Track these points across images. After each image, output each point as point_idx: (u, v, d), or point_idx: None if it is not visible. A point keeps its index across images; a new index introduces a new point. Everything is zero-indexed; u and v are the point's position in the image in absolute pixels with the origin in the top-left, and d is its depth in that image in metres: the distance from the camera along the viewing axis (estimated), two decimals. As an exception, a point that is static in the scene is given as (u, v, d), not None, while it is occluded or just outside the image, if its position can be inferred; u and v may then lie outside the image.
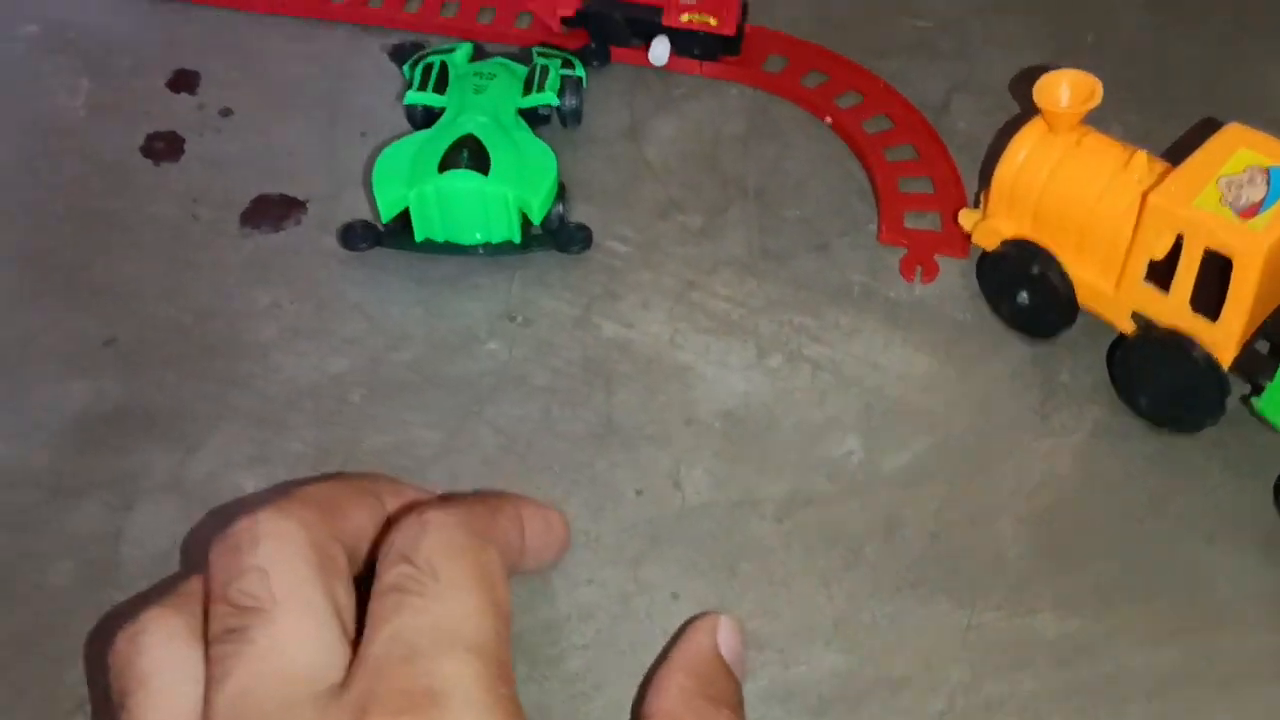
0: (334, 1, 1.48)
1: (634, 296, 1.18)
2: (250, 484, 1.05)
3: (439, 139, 1.19)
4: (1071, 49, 1.38)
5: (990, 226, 1.11)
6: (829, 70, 1.37)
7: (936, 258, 1.19)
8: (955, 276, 1.18)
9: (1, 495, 1.04)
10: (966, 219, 1.15)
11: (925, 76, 1.37)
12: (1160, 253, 0.95)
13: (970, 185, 1.25)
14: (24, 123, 1.36)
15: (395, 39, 1.45)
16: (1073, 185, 1.02)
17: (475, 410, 1.09)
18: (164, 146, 1.33)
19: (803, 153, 1.30)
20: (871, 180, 1.26)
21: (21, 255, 1.22)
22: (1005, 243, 1.09)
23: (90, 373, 1.12)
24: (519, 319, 1.16)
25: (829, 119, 1.32)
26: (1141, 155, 1.01)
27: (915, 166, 1.27)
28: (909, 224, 1.22)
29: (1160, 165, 1.01)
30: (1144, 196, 0.94)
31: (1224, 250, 0.90)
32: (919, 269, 1.18)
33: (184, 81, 1.41)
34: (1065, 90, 1.02)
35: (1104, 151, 1.02)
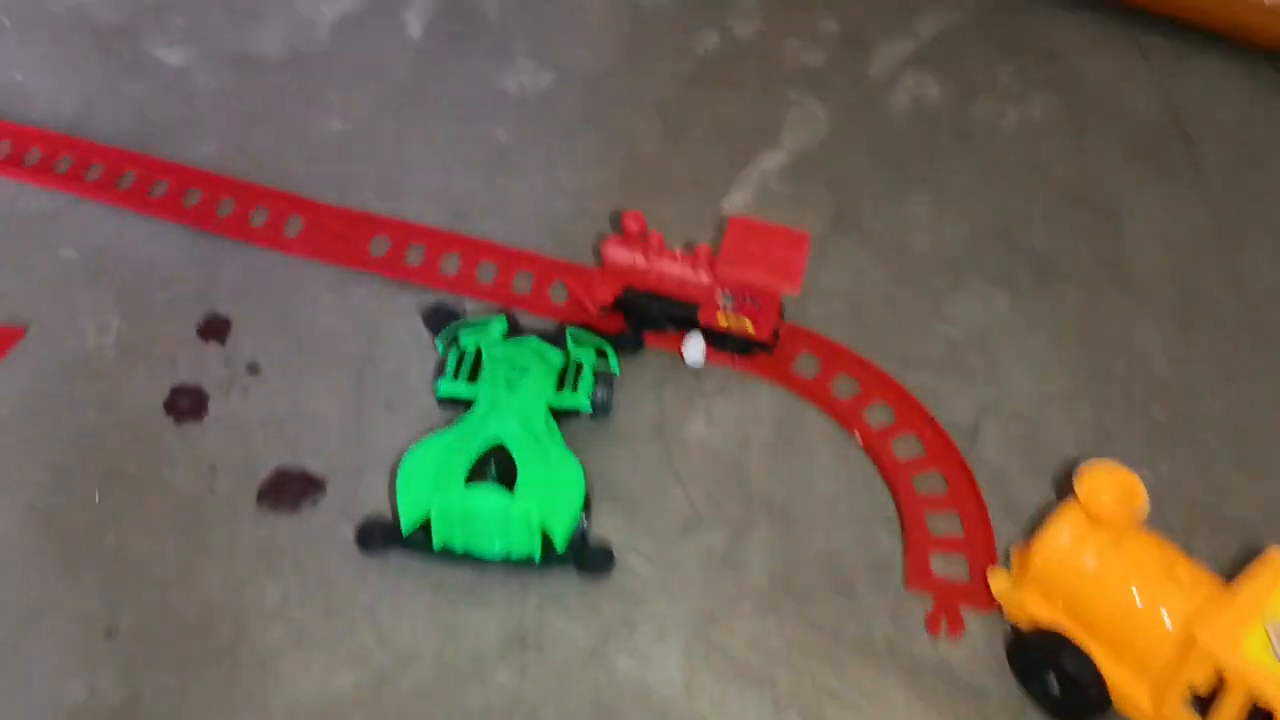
0: (373, 254, 1.48)
1: (651, 627, 1.15)
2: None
3: (467, 444, 1.17)
4: (1102, 377, 1.38)
5: (1021, 601, 1.09)
6: (859, 377, 1.37)
7: (963, 609, 1.17)
8: (981, 633, 1.16)
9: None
10: (996, 581, 1.13)
11: (955, 395, 1.37)
12: (1205, 689, 0.93)
13: (999, 527, 1.23)
14: (53, 361, 1.35)
15: (431, 298, 1.45)
16: (1113, 588, 1.01)
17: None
18: (188, 404, 1.32)
19: (831, 472, 1.29)
20: (899, 513, 1.25)
21: (35, 512, 1.20)
22: (1038, 632, 1.07)
23: (89, 667, 1.10)
24: (532, 643, 1.14)
25: (858, 434, 1.31)
26: (1184, 565, 0.99)
27: (944, 500, 1.25)
28: (936, 568, 1.20)
29: (1204, 577, 0.99)
30: (1190, 629, 0.93)
31: (1271, 705, 0.88)
32: (944, 622, 1.16)
33: (215, 329, 1.40)
34: (1108, 490, 1.01)
35: (1146, 556, 1.01)
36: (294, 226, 1.52)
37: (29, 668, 1.09)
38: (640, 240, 1.35)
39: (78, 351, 1.36)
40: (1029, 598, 1.08)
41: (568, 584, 1.18)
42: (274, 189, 1.55)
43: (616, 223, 1.52)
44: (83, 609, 1.13)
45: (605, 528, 1.22)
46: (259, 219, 1.52)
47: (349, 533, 1.21)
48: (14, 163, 1.57)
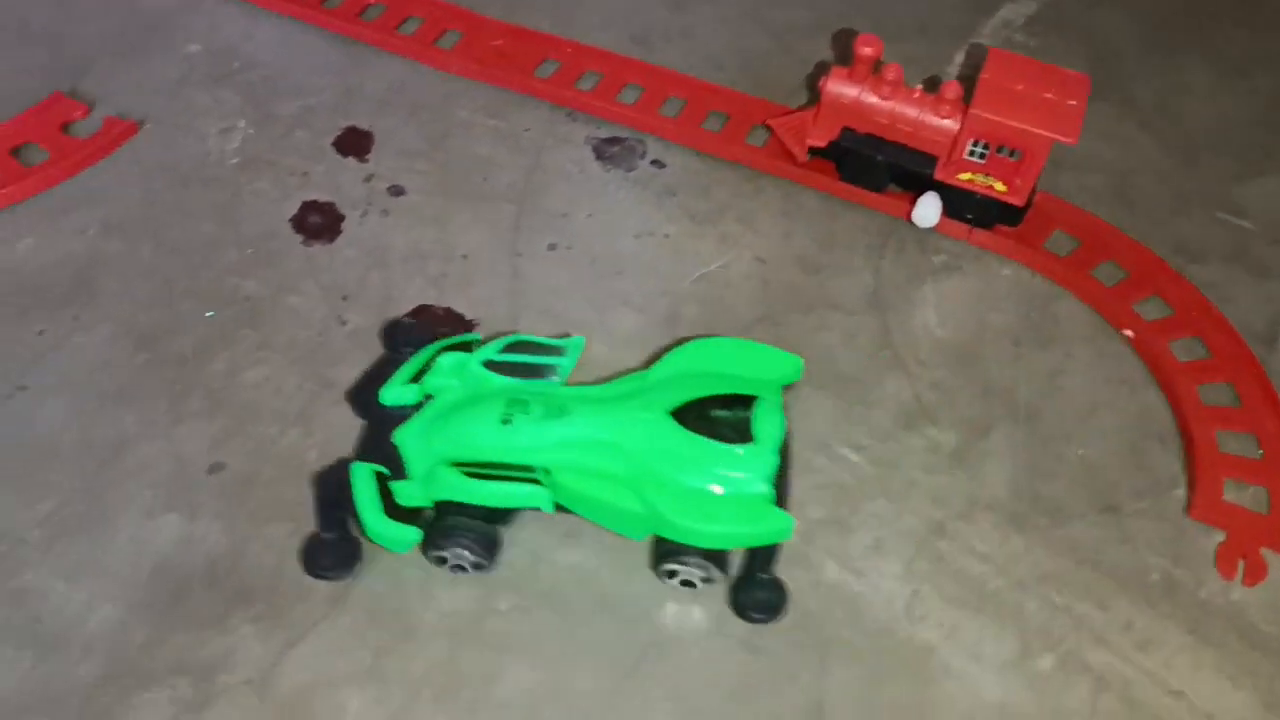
0: (538, 78, 1.25)
1: (866, 532, 0.92)
2: (355, 705, 0.81)
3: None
4: None
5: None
6: (1130, 265, 1.11)
7: (1264, 552, 0.91)
8: (1286, 582, 0.91)
9: (51, 660, 0.81)
10: (1319, 523, 0.87)
11: (1246, 294, 1.10)
12: None
13: (1309, 456, 0.97)
14: (168, 164, 1.15)
15: (605, 131, 1.22)
16: None
17: (653, 652, 0.85)
18: (319, 222, 1.12)
19: (1090, 370, 1.04)
20: (1181, 427, 1.00)
21: (136, 331, 1.01)
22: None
23: (187, 506, 0.90)
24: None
25: (1130, 332, 1.05)
26: None
27: (1238, 417, 1.00)
28: (1229, 497, 0.95)
29: None
30: None
31: None
32: (1241, 564, 0.91)
33: (355, 143, 1.19)
34: None
35: None
36: (449, 39, 1.29)
37: (119, 500, 0.90)
38: (871, 72, 1.10)
39: (197, 155, 1.16)
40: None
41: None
42: (430, -3, 1.33)
43: (842, 56, 1.27)
44: (183, 439, 0.94)
45: (812, 412, 0.99)
46: (410, 27, 1.30)
47: (499, 385, 0.99)
48: (141, -52, 1.37)
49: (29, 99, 1.19)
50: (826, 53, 1.31)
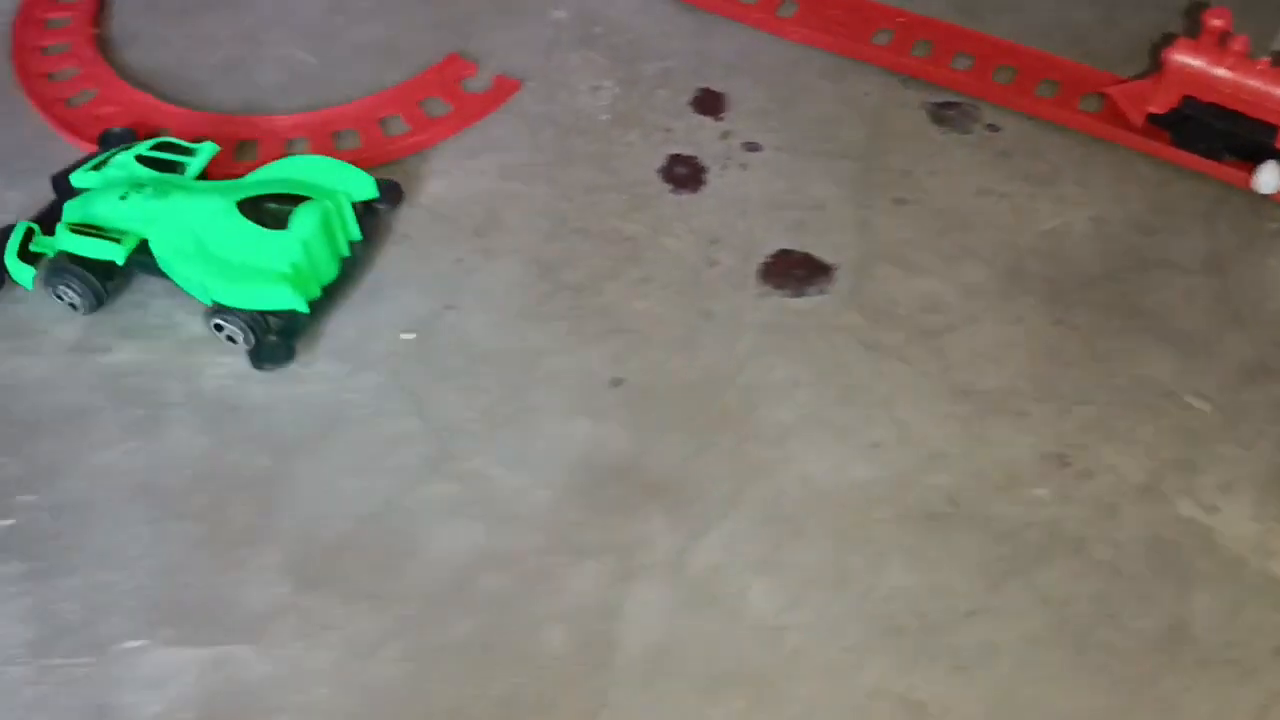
0: (874, 44, 1.35)
1: (1216, 473, 0.99)
2: (757, 588, 0.94)
3: None
4: None
5: None
6: None
7: None
8: None
9: (502, 529, 0.97)
10: None
11: None
12: None
13: None
14: (549, 117, 1.30)
15: (939, 96, 1.31)
16: None
17: (1020, 569, 0.94)
18: (685, 173, 1.24)
19: None
20: None
21: (536, 261, 1.16)
22: None
23: (596, 414, 1.04)
24: (1074, 466, 1.00)
25: None
26: None
27: None
28: None
29: None
30: None
31: None
32: None
33: (710, 103, 1.31)
34: None
35: None
36: (788, 9, 1.40)
37: (539, 403, 1.05)
38: (1218, 44, 1.15)
39: (572, 109, 1.31)
40: None
41: (1113, 405, 1.03)
42: (769, -31, 1.44)
43: (1169, 33, 1.32)
44: (586, 356, 1.09)
45: (1156, 362, 1.06)
46: (753, -2, 1.42)
47: (859, 323, 1.11)
48: (506, -77, 1.52)
49: (425, 54, 1.35)
50: (1152, 28, 1.36)
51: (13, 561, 0.95)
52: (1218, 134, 1.18)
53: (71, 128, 1.26)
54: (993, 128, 1.27)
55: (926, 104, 1.30)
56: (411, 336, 1.10)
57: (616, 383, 1.07)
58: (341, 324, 1.11)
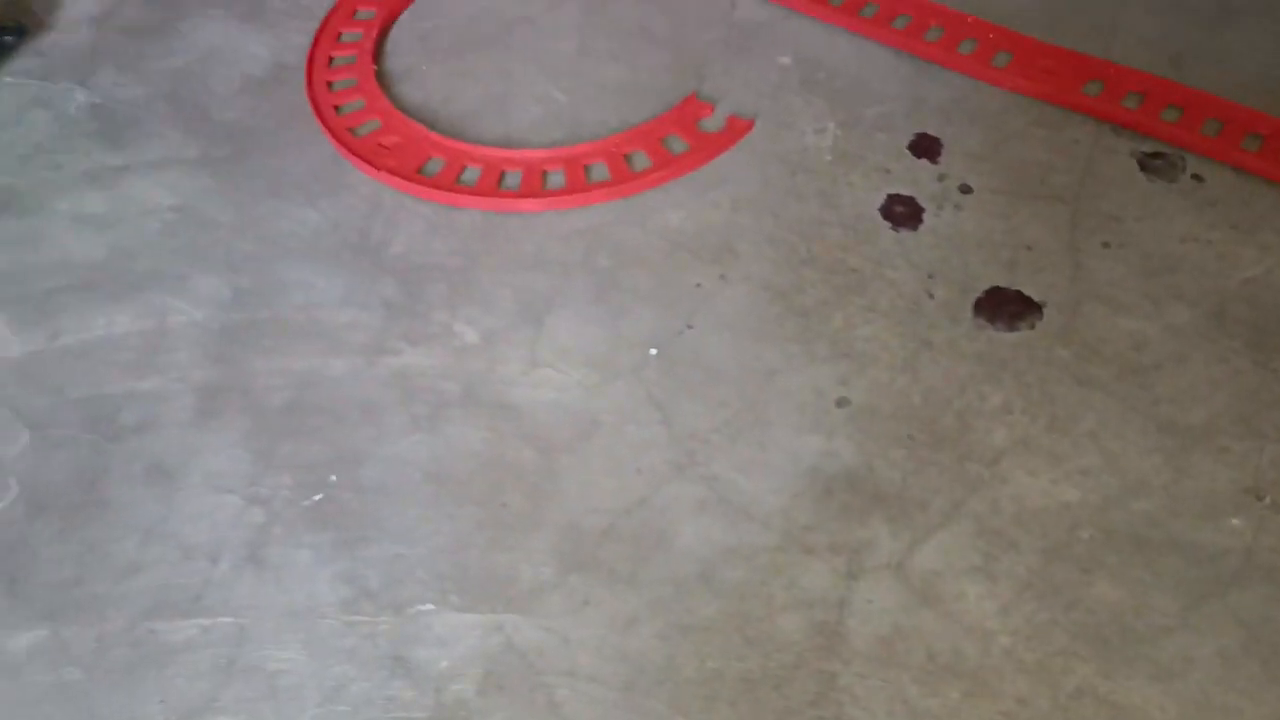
0: (1084, 94, 1.44)
1: None
2: (973, 593, 1.05)
3: None
4: None
5: None
6: None
7: None
8: None
9: (741, 527, 1.10)
10: None
11: None
12: None
13: None
14: (777, 155, 1.43)
15: (1147, 146, 1.39)
16: None
17: (1216, 592, 1.03)
18: (903, 211, 1.36)
19: None
20: None
21: (771, 288, 1.29)
22: None
23: (824, 429, 1.17)
24: (1268, 500, 1.08)
25: None
26: None
27: None
28: None
29: None
30: None
31: None
32: None
33: (926, 147, 1.42)
34: None
35: None
36: (1001, 59, 1.50)
37: (771, 417, 1.17)
38: None
39: (798, 149, 1.43)
40: None
41: (1316, 451, 1.10)
42: (982, 20, 1.54)
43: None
44: (815, 377, 1.21)
45: (1357, 404, 1.13)
46: (966, 48, 1.52)
47: (1067, 357, 1.20)
48: (734, -27, 1.65)
49: (664, 94, 1.50)
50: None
51: (325, 531, 1.13)
52: None
53: (358, 153, 1.45)
54: (1198, 178, 1.35)
55: (1135, 153, 1.38)
56: (655, 352, 1.24)
57: (843, 402, 1.19)
58: (595, 337, 1.26)
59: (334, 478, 1.17)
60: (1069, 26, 1.53)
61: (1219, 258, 1.27)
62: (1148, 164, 1.36)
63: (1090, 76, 1.46)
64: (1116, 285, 1.25)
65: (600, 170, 1.42)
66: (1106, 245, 1.29)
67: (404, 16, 1.66)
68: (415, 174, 1.42)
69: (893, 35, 1.54)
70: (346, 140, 1.47)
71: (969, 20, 1.54)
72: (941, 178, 1.38)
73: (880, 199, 1.37)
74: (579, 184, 1.40)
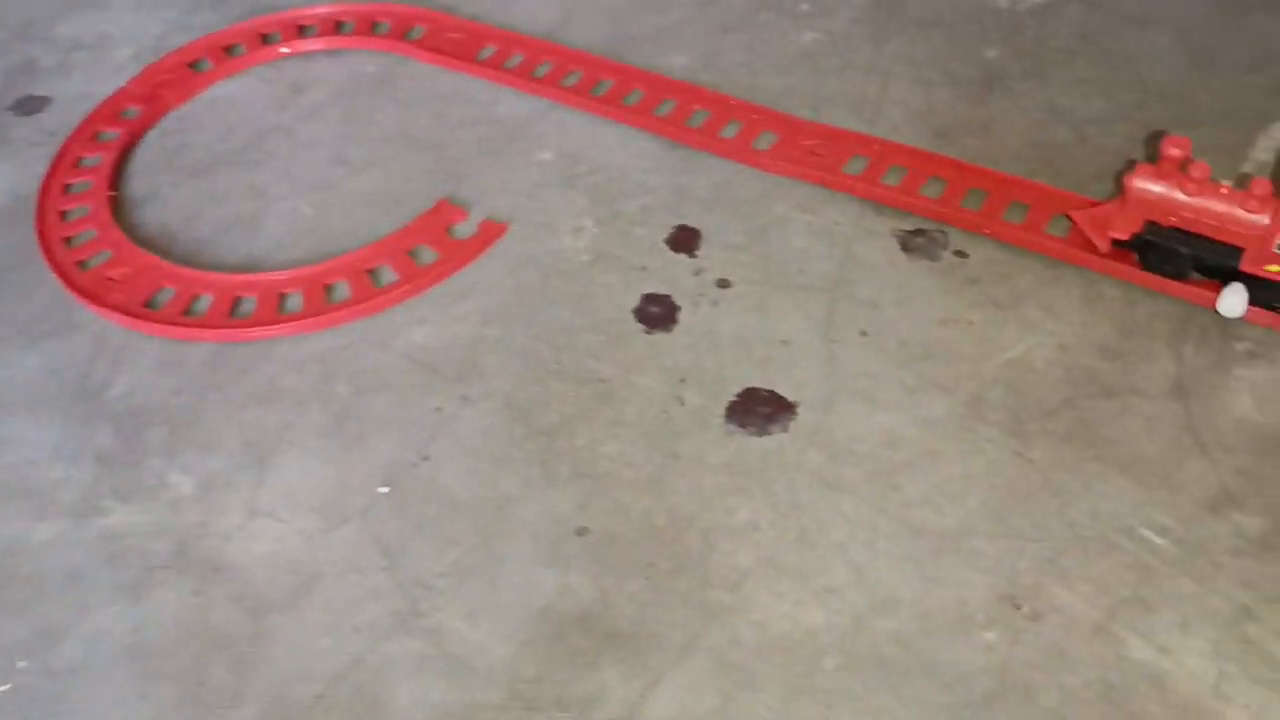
0: (847, 173, 1.38)
1: (1171, 611, 0.99)
2: (707, 742, 0.96)
3: None
4: None
5: None
6: None
7: None
8: None
9: (464, 684, 1.00)
10: None
11: None
12: None
13: None
14: (532, 259, 1.35)
15: (910, 224, 1.33)
16: None
17: (968, 718, 0.95)
18: (658, 312, 1.29)
19: (1407, 462, 1.06)
20: None
21: (514, 406, 1.20)
22: None
23: (561, 563, 1.08)
24: (1025, 608, 1.00)
25: None
26: None
27: None
28: None
29: None
30: None
31: None
32: None
33: (684, 240, 1.36)
34: None
35: None
36: (765, 141, 1.44)
37: (505, 553, 1.09)
38: (1179, 170, 1.16)
39: (554, 250, 1.36)
40: None
41: (1068, 545, 1.04)
42: (746, 102, 1.49)
43: (1133, 152, 1.34)
44: (555, 503, 1.12)
45: (1114, 495, 1.06)
46: (730, 131, 1.46)
47: (819, 461, 1.13)
48: (496, 66, 1.59)
49: (419, 200, 1.42)
50: (1124, 144, 1.38)
51: (10, 725, 1.01)
52: (1182, 257, 1.18)
53: (84, 290, 1.35)
54: (961, 254, 1.30)
55: (897, 232, 1.33)
56: (386, 489, 1.14)
57: (582, 531, 1.10)
58: (323, 476, 1.16)
59: (23, 664, 1.05)
60: (835, 102, 1.48)
61: (979, 340, 1.21)
62: (909, 243, 1.31)
63: (853, 153, 1.41)
64: (872, 377, 1.19)
65: (343, 289, 1.34)
66: (864, 334, 1.23)
67: (150, 134, 1.57)
68: (143, 308, 1.33)
69: (656, 123, 1.48)
70: (72, 276, 1.38)
71: (732, 103, 1.49)
72: (699, 272, 1.32)
73: (635, 300, 1.30)
74: (319, 306, 1.31)
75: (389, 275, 1.35)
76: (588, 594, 1.05)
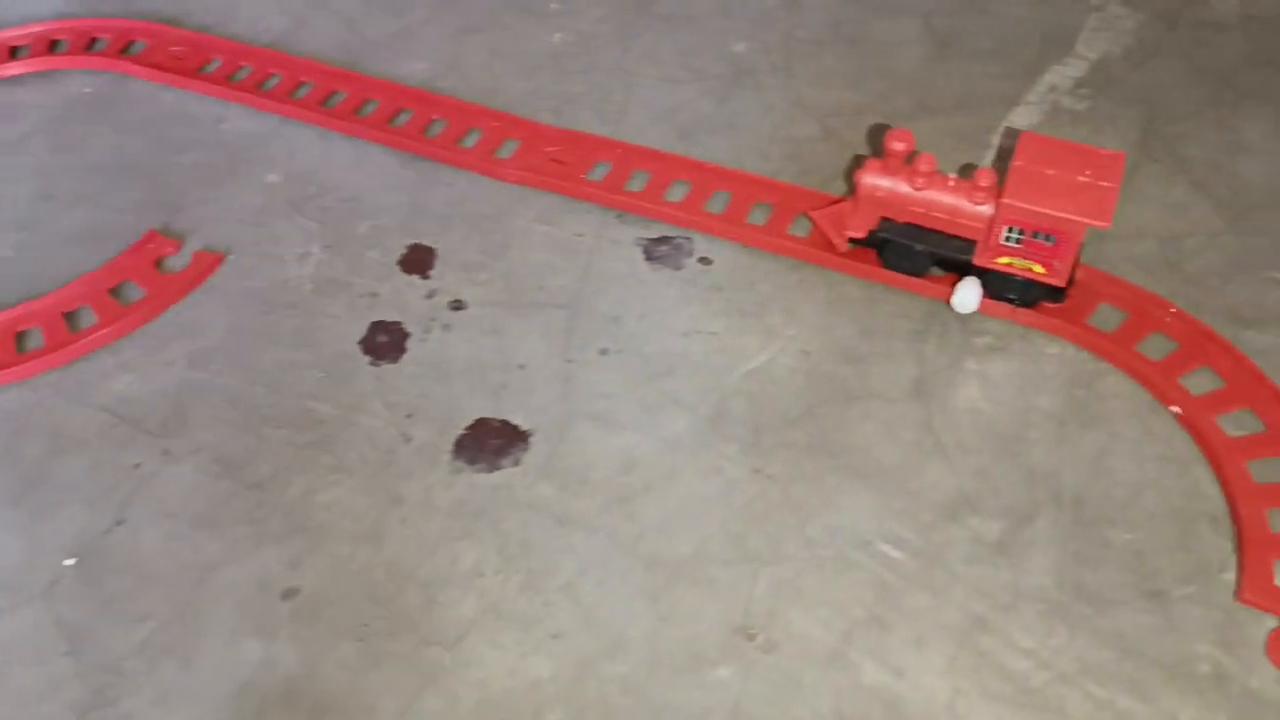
0: (591, 181, 1.31)
1: (907, 628, 0.94)
2: (420, 819, 0.87)
3: None
4: None
5: None
6: (1178, 336, 1.10)
7: (1319, 638, 0.90)
8: (1342, 670, 0.89)
9: (146, 786, 0.89)
10: (1373, 608, 0.86)
11: (1306, 361, 1.08)
12: None
13: (1367, 533, 0.96)
14: (252, 292, 1.25)
15: (654, 231, 1.27)
16: None
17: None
18: (386, 342, 1.19)
19: (1136, 450, 1.04)
20: (1231, 506, 0.99)
21: (222, 459, 1.10)
22: None
23: (266, 631, 0.98)
24: (760, 639, 0.95)
25: (1177, 408, 1.05)
26: None
27: (1291, 494, 0.98)
28: (1280, 581, 0.94)
29: None
30: None
31: None
32: (1293, 652, 0.90)
33: (418, 261, 1.27)
34: None
35: None
36: (508, 150, 1.36)
37: (204, 626, 0.98)
38: (905, 164, 1.12)
39: (277, 281, 1.26)
40: None
41: (806, 565, 0.98)
42: (488, 108, 1.41)
43: (876, 145, 1.30)
44: (263, 564, 1.02)
45: (852, 507, 1.02)
46: (471, 140, 1.38)
47: (551, 495, 1.05)
48: (222, 81, 1.48)
49: (131, 234, 1.30)
50: (870, 137, 1.34)
51: None
52: (917, 254, 1.15)
53: None
54: (705, 260, 1.24)
55: (640, 240, 1.26)
56: (73, 561, 1.03)
57: (291, 593, 1.00)
58: (6, 551, 1.04)
59: None
60: (579, 105, 1.41)
61: (722, 351, 1.15)
62: (653, 252, 1.24)
63: (597, 159, 1.33)
64: (610, 398, 1.12)
65: (37, 337, 1.20)
66: (604, 352, 1.16)
67: None
68: None
69: (393, 136, 1.39)
70: None
71: (471, 109, 1.41)
72: (432, 295, 1.23)
73: (362, 330, 1.20)
74: (9, 357, 1.18)
75: (90, 318, 1.22)
76: (293, 664, 0.96)
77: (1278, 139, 1.27)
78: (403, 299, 1.23)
